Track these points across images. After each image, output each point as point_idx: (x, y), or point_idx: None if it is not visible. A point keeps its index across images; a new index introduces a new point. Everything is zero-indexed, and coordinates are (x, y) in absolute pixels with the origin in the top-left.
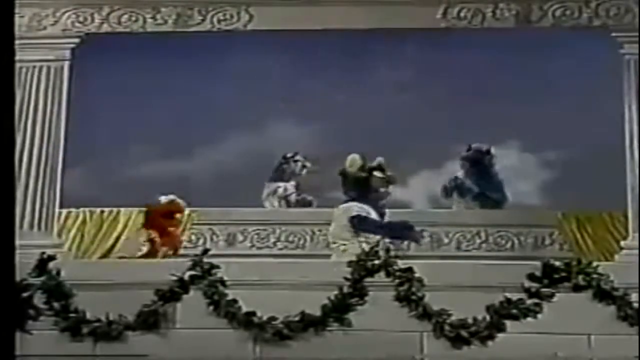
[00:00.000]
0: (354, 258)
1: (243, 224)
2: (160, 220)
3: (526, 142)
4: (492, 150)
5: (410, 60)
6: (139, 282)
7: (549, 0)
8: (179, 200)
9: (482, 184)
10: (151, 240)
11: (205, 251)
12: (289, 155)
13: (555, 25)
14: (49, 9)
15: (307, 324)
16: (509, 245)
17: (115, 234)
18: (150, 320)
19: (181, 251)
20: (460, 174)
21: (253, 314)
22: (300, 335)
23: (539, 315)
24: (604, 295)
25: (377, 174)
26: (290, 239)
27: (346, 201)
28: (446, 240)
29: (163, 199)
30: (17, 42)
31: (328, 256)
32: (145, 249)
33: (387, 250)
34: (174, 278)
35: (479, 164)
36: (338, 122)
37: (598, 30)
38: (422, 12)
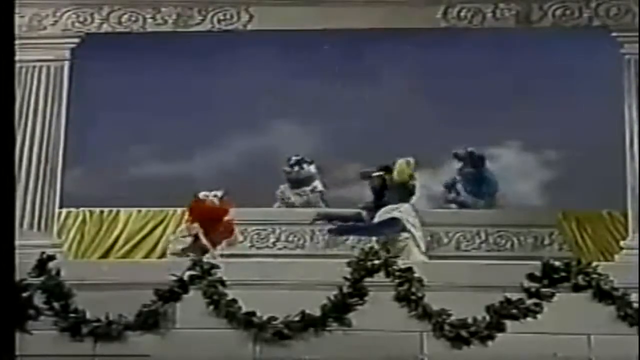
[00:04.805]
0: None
1: (243, 224)
2: (207, 217)
3: (526, 142)
4: (482, 154)
5: (411, 60)
6: (139, 282)
7: (549, 0)
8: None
9: (473, 189)
10: (195, 236)
11: (205, 251)
12: (294, 158)
13: (555, 25)
14: (49, 9)
15: (307, 324)
16: (508, 245)
17: (115, 234)
18: (150, 320)
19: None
20: (456, 177)
21: (253, 314)
22: (300, 335)
23: (539, 315)
24: (603, 295)
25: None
26: (290, 239)
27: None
28: (446, 240)
29: (204, 195)
30: (17, 42)
31: (328, 256)
32: (187, 241)
33: (387, 250)
34: (174, 278)
35: (470, 168)
36: (338, 122)
37: (598, 30)
38: (422, 12)
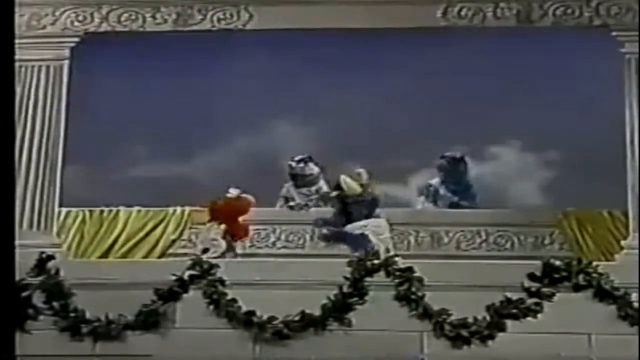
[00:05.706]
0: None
1: None
2: (230, 216)
3: (526, 142)
4: (466, 158)
5: (411, 60)
6: (139, 282)
7: None
8: (247, 196)
9: (457, 191)
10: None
11: (205, 250)
12: (300, 157)
13: (556, 24)
14: (49, 8)
15: (307, 323)
16: (509, 245)
17: (115, 234)
18: (150, 320)
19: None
20: (434, 181)
21: (253, 313)
22: (300, 335)
23: (539, 315)
24: (604, 294)
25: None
26: (290, 239)
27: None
28: (446, 240)
29: (233, 192)
30: (17, 41)
31: (328, 256)
32: (223, 246)
33: (387, 250)
34: (174, 278)
35: (454, 172)
36: (338, 122)
37: (599, 29)
38: (423, 12)
